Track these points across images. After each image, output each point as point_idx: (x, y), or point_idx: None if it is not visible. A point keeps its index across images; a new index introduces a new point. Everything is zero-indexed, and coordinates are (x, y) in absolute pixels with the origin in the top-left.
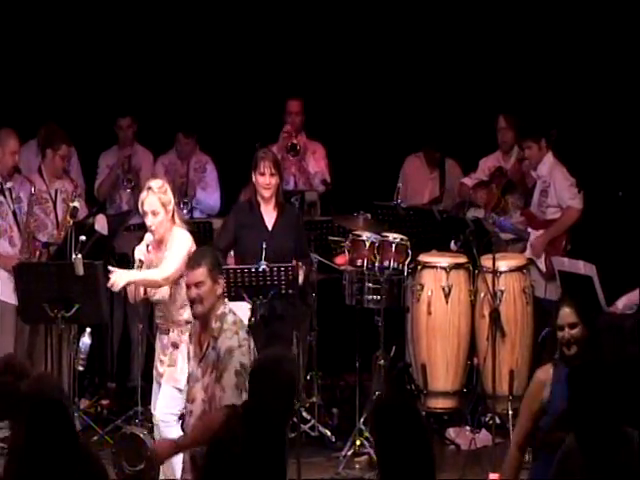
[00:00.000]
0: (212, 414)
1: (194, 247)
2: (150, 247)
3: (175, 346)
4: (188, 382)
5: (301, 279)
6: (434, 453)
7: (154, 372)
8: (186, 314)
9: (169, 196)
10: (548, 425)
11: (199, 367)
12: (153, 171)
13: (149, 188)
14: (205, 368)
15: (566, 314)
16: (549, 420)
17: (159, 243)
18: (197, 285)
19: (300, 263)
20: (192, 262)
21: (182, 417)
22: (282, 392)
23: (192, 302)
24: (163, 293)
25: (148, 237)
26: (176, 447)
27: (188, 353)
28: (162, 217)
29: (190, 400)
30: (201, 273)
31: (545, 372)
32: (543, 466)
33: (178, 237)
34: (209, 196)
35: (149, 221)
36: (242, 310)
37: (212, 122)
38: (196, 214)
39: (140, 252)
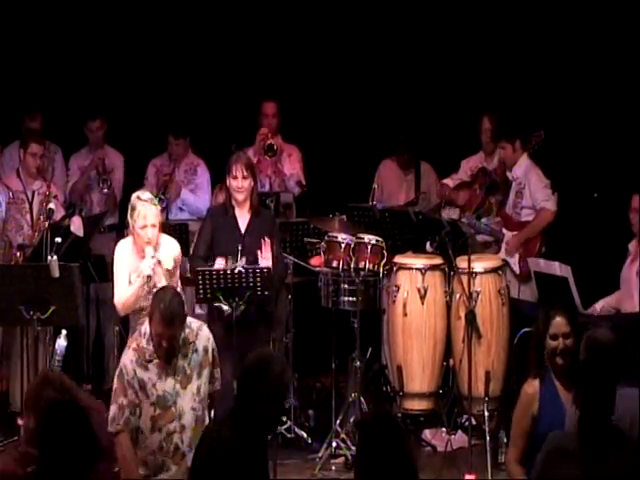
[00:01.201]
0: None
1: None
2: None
3: None
4: (160, 402)
5: (268, 262)
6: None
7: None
8: None
9: (160, 206)
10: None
11: (177, 383)
12: (124, 173)
13: (146, 200)
14: (187, 377)
15: (561, 324)
16: (541, 431)
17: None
18: (170, 338)
19: (267, 240)
20: (166, 314)
21: None
22: (271, 394)
23: (163, 350)
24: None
25: (151, 251)
26: None
27: (139, 382)
28: (158, 228)
29: (176, 417)
30: (176, 329)
31: (532, 386)
32: None
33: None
34: (198, 199)
35: (150, 233)
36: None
37: (205, 126)
38: (184, 215)
39: (148, 268)
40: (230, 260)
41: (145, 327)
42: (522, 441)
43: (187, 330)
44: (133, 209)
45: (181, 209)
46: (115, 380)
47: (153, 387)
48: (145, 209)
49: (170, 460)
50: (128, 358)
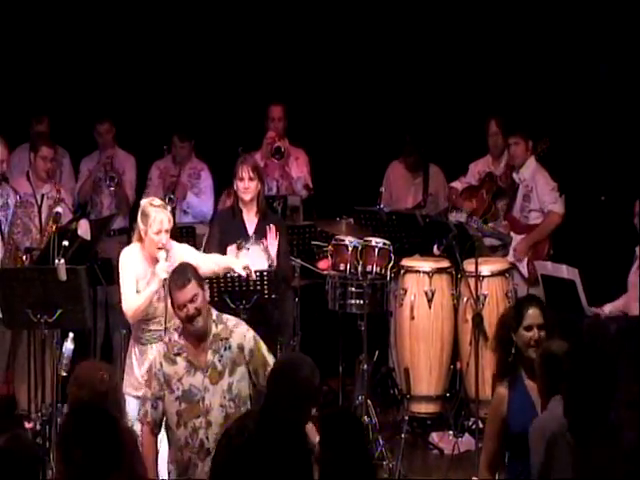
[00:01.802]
0: None
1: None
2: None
3: None
4: (185, 397)
5: (274, 249)
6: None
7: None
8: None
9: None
10: (514, 435)
11: (206, 377)
12: (136, 174)
13: (158, 206)
14: (218, 373)
15: (536, 315)
16: (514, 430)
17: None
18: (192, 300)
19: (273, 226)
20: (179, 280)
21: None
22: (298, 396)
23: (191, 319)
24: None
25: (163, 254)
26: None
27: (165, 376)
28: (169, 233)
29: (203, 412)
30: (192, 288)
31: (502, 386)
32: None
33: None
34: (202, 203)
35: (164, 239)
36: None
37: (208, 129)
38: (188, 219)
39: (163, 271)
40: (242, 242)
41: (177, 322)
42: (492, 444)
43: (220, 326)
44: (146, 215)
45: (185, 212)
46: (145, 373)
47: (179, 381)
48: (160, 215)
49: (196, 456)
50: (157, 351)
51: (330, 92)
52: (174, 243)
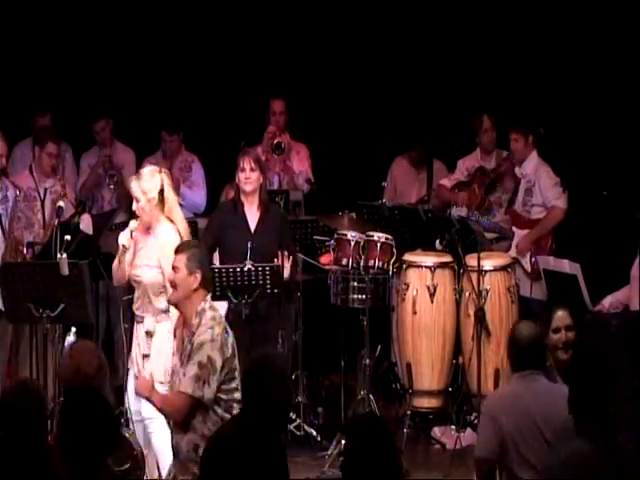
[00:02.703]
0: (171, 395)
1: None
2: (134, 233)
3: (149, 335)
4: (172, 376)
5: (287, 272)
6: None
7: (131, 364)
8: (162, 302)
9: (153, 183)
10: None
11: (179, 361)
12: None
13: (138, 174)
14: (182, 362)
15: (563, 316)
16: None
17: (147, 229)
18: (174, 269)
19: (286, 252)
20: (178, 247)
21: None
22: (277, 390)
23: (170, 285)
24: (147, 275)
25: (133, 224)
26: (154, 394)
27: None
28: (143, 204)
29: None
30: (179, 259)
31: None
32: None
33: (165, 239)
34: (195, 194)
35: (134, 206)
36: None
37: (197, 122)
38: (184, 212)
39: (124, 237)
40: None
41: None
42: None
43: (196, 319)
44: None
45: (180, 205)
46: None
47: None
48: (132, 184)
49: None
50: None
51: (332, 86)
52: (167, 226)
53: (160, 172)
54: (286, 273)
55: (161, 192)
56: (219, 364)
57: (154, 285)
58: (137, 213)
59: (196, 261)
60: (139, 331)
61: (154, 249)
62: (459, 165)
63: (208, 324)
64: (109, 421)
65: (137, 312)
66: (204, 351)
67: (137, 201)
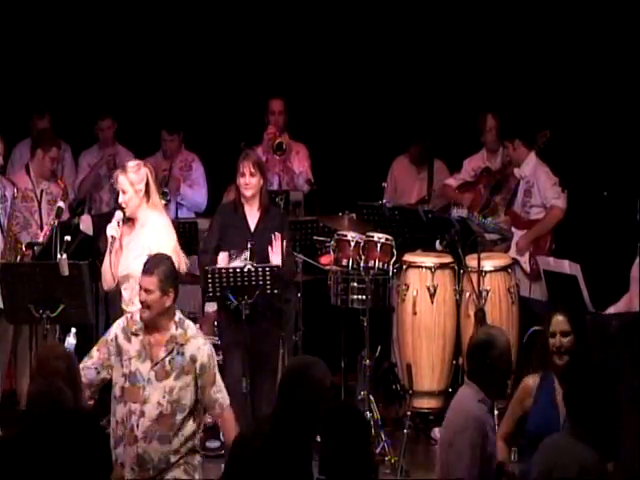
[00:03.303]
0: (229, 415)
1: (171, 227)
2: (120, 223)
3: None
4: (131, 378)
5: (278, 258)
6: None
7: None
8: None
9: (140, 176)
10: (530, 435)
11: (152, 370)
12: None
13: (121, 168)
14: (165, 372)
15: (559, 322)
16: (531, 428)
17: (132, 222)
18: (147, 291)
19: (278, 235)
20: (146, 267)
21: None
22: (311, 398)
23: (141, 303)
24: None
25: (118, 214)
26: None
27: (118, 347)
28: (130, 195)
29: (140, 401)
30: (151, 282)
31: (533, 380)
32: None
33: (157, 229)
34: (196, 193)
35: (120, 198)
36: None
37: (197, 121)
38: (184, 212)
39: (112, 229)
40: (234, 254)
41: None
42: (511, 425)
43: (180, 330)
44: None
45: (180, 204)
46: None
47: (129, 361)
48: (116, 175)
49: (126, 438)
50: (117, 321)
51: (332, 86)
52: (156, 216)
53: (145, 165)
54: (277, 259)
55: (147, 184)
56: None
57: None
58: (123, 205)
59: (168, 280)
60: None
61: (145, 238)
62: (465, 165)
63: (198, 334)
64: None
65: (128, 308)
66: (214, 361)
67: (124, 193)
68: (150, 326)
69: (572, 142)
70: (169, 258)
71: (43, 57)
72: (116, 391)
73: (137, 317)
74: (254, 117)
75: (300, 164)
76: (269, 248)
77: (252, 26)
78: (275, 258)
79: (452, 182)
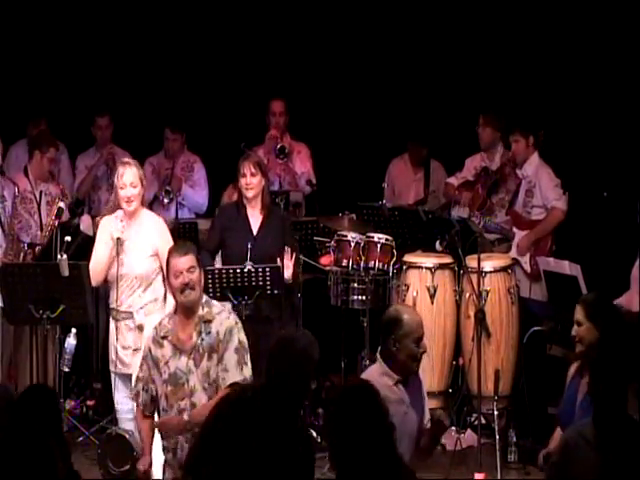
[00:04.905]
0: (221, 392)
1: None
2: (124, 222)
3: (141, 329)
4: (171, 380)
5: (289, 272)
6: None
7: (118, 363)
8: (153, 292)
9: (144, 172)
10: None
11: (190, 359)
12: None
13: (127, 162)
14: (201, 355)
15: (576, 311)
16: (559, 412)
17: (129, 218)
18: (189, 270)
19: (289, 249)
20: (181, 249)
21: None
22: (297, 369)
23: (184, 288)
24: (140, 266)
25: (121, 214)
26: (187, 423)
27: (153, 359)
28: (139, 189)
29: (188, 394)
30: (191, 260)
31: (573, 367)
32: None
33: (160, 229)
34: (197, 194)
35: (128, 192)
36: None
37: (198, 122)
38: (185, 212)
39: (117, 230)
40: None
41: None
42: None
43: (206, 309)
44: (116, 172)
45: (181, 204)
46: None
47: (166, 365)
48: (124, 169)
49: (183, 439)
50: (147, 336)
51: (332, 87)
52: (148, 212)
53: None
54: (287, 274)
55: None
56: (246, 343)
57: (148, 275)
58: (132, 199)
59: (198, 255)
60: (121, 328)
61: (146, 237)
62: (467, 164)
63: (225, 310)
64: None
65: (121, 308)
66: (235, 336)
67: (134, 187)
68: (190, 312)
69: (572, 143)
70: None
71: (41, 58)
72: (162, 403)
73: (165, 322)
74: (255, 118)
75: (302, 164)
76: (278, 260)
77: (252, 28)
78: (287, 273)
79: (453, 181)
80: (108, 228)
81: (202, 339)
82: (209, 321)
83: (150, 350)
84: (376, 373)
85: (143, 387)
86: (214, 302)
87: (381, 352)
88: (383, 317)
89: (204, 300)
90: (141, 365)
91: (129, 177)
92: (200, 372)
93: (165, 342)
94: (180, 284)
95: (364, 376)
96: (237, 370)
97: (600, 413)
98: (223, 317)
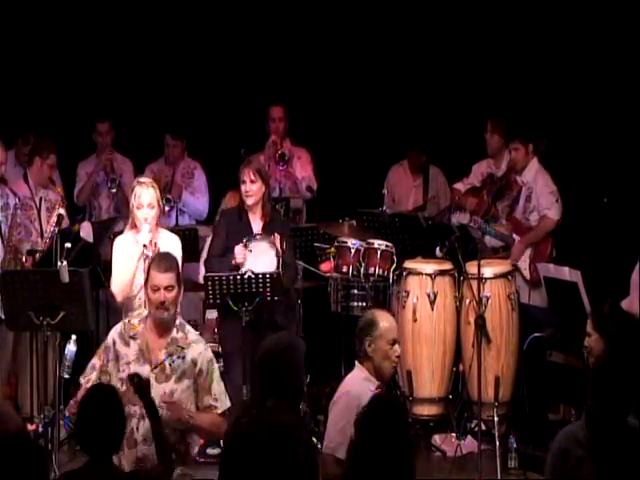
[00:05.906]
0: (217, 418)
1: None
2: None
3: None
4: (127, 383)
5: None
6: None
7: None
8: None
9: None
10: None
11: (152, 372)
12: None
13: (143, 182)
14: (165, 375)
15: (587, 323)
16: None
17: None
18: (167, 289)
19: (276, 234)
20: (162, 264)
21: None
22: (289, 374)
23: (159, 306)
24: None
25: (146, 227)
26: (190, 418)
27: (116, 353)
28: (156, 211)
29: (140, 404)
30: (172, 277)
31: None
32: None
33: (175, 241)
34: (197, 200)
35: (145, 214)
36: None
37: (198, 129)
38: (185, 219)
39: (144, 237)
40: (248, 241)
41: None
42: None
43: (181, 334)
44: (132, 191)
45: (182, 211)
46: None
47: (127, 364)
48: (141, 189)
49: (125, 440)
50: (115, 327)
51: (332, 93)
52: (165, 231)
53: None
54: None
55: None
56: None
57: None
58: (149, 221)
59: (179, 273)
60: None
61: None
62: (474, 169)
63: (199, 339)
64: None
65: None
66: (215, 366)
67: (151, 208)
68: (161, 328)
69: (572, 148)
70: (173, 255)
71: (42, 64)
72: None
73: (134, 321)
74: (255, 124)
75: (303, 169)
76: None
77: (252, 34)
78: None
79: (460, 186)
80: (125, 245)
81: (173, 361)
82: (183, 348)
83: (114, 343)
84: (358, 379)
85: (98, 377)
86: (188, 327)
87: (358, 357)
88: (359, 321)
89: (178, 322)
90: (99, 354)
91: (146, 199)
92: (161, 390)
93: (132, 342)
94: (156, 301)
95: (347, 382)
96: (225, 398)
97: (594, 419)
98: (201, 348)
